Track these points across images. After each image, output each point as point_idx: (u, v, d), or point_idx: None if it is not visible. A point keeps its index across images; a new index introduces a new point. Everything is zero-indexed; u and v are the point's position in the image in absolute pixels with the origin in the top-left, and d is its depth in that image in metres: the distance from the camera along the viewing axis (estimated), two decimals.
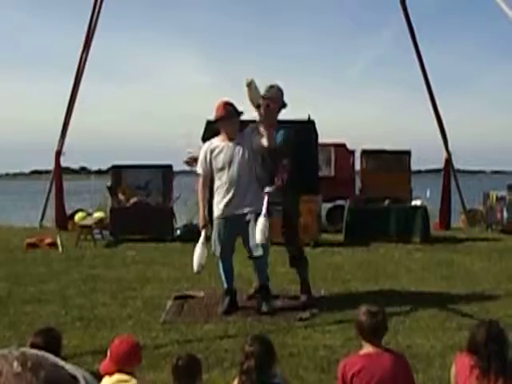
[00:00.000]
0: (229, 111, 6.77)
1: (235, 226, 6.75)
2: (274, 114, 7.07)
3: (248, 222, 6.70)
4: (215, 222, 6.83)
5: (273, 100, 7.01)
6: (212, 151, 6.83)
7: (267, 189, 6.77)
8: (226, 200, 6.74)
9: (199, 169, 6.94)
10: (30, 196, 26.91)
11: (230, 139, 6.81)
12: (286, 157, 6.97)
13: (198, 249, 6.64)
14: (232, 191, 6.72)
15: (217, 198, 6.84)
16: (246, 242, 6.82)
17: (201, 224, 6.88)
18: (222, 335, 6.02)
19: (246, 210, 6.72)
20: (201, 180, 6.96)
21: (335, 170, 16.36)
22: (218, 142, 6.88)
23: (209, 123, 9.14)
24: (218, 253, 6.81)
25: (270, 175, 6.98)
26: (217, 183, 6.85)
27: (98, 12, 15.63)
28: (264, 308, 6.78)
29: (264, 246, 6.70)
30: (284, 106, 7.17)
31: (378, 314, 3.55)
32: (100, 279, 8.83)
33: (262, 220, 6.50)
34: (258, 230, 6.47)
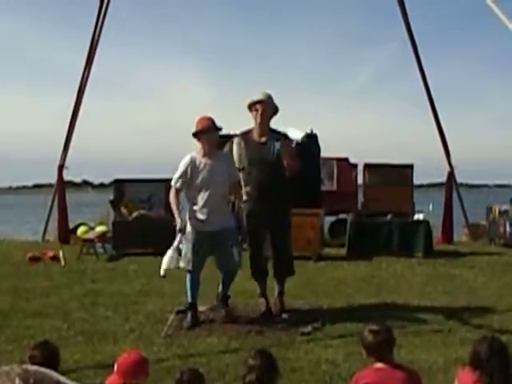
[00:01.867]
0: (208, 125, 6.89)
1: (209, 242, 6.84)
2: (268, 120, 7.16)
3: (222, 239, 6.84)
4: (190, 237, 6.86)
5: (266, 105, 7.09)
6: (194, 167, 6.89)
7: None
8: (202, 217, 6.85)
9: (177, 182, 6.93)
10: (32, 209, 26.91)
11: (210, 156, 6.89)
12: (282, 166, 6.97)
13: (170, 253, 6.62)
14: (209, 209, 6.82)
15: (193, 214, 6.92)
16: (219, 259, 7.02)
17: (178, 227, 6.71)
18: (224, 349, 6.01)
19: (220, 228, 6.82)
20: (174, 191, 6.93)
21: (338, 183, 16.40)
22: (199, 157, 6.93)
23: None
24: (190, 266, 6.87)
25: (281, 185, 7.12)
26: (193, 199, 6.93)
27: (101, 27, 15.73)
28: (222, 312, 7.11)
29: (235, 263, 6.93)
30: (276, 112, 7.24)
31: (381, 332, 3.54)
32: (102, 293, 8.83)
33: (169, 252, 6.58)
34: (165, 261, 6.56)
